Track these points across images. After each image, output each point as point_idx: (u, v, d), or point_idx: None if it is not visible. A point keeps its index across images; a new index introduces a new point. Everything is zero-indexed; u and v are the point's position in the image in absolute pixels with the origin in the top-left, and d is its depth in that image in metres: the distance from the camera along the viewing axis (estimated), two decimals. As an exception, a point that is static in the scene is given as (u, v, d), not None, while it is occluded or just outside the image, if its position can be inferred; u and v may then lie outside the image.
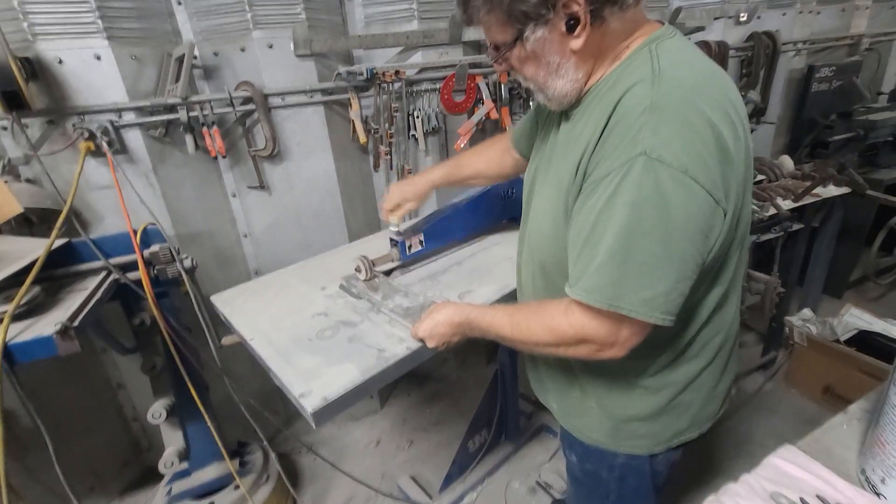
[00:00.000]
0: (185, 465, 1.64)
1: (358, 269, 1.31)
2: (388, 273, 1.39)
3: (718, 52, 2.36)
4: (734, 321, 0.91)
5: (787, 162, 2.31)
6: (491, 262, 1.42)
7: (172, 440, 1.61)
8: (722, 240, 0.72)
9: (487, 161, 1.27)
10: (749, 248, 2.11)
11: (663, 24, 0.78)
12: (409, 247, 1.39)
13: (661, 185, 0.64)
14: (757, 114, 2.60)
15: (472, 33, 1.96)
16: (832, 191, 2.15)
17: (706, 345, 0.87)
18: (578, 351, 0.79)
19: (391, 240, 1.39)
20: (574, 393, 0.99)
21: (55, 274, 1.30)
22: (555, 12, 0.68)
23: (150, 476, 2.04)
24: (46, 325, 1.05)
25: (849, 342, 2.13)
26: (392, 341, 1.07)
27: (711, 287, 0.81)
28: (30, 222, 1.58)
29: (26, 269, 1.15)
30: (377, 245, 1.60)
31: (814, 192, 2.09)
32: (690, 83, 0.68)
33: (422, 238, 1.40)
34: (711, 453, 2.00)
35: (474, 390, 2.49)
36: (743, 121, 0.73)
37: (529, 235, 0.97)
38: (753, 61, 2.53)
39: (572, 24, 0.69)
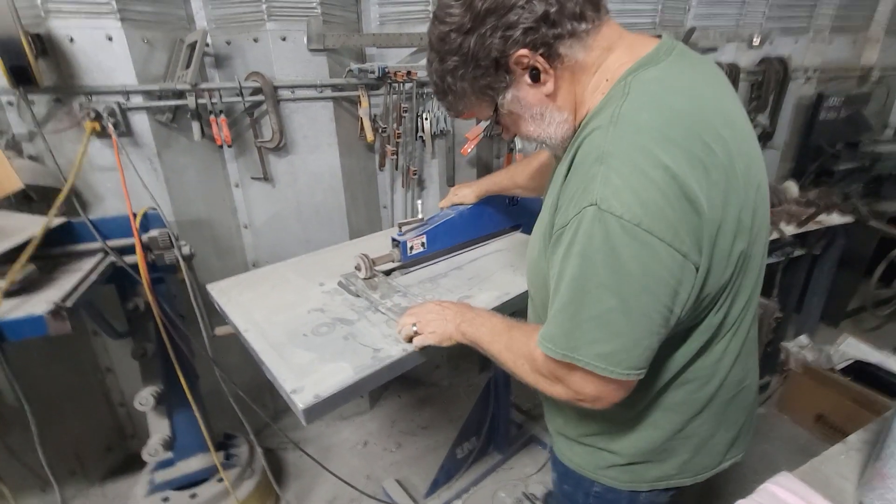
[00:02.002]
0: (169, 454, 1.62)
1: (358, 267, 1.30)
2: (387, 273, 1.38)
3: (729, 75, 2.37)
4: (735, 372, 0.82)
5: (793, 187, 2.31)
6: (492, 268, 1.41)
7: (158, 428, 1.59)
8: (696, 295, 0.66)
9: (531, 174, 1.33)
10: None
11: (660, 37, 0.73)
12: (411, 248, 1.37)
13: (611, 237, 0.61)
14: (764, 138, 2.61)
15: (486, 39, 1.96)
16: (835, 219, 2.15)
17: (696, 392, 0.81)
18: (557, 391, 0.75)
19: (393, 240, 1.38)
20: (557, 418, 0.97)
21: (51, 253, 1.28)
22: (512, 74, 0.70)
23: (134, 463, 2.01)
24: (39, 303, 1.04)
25: (844, 371, 2.12)
26: (388, 341, 1.05)
27: (682, 342, 0.76)
28: (29, 199, 1.56)
29: (22, 246, 1.14)
30: (378, 244, 1.59)
31: (817, 219, 2.10)
32: (649, 127, 0.62)
33: (424, 240, 1.39)
34: (700, 475, 1.98)
35: (465, 397, 2.48)
36: (725, 163, 0.64)
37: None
38: (764, 85, 2.53)
39: (535, 74, 0.70)
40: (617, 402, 0.72)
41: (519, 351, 0.81)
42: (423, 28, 1.90)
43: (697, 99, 0.67)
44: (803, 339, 2.30)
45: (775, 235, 1.99)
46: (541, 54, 0.68)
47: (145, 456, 1.51)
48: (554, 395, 0.77)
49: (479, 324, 0.93)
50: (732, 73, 2.38)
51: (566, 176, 0.70)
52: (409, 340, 1.03)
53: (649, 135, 0.62)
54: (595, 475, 0.91)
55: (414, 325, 1.00)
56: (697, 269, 0.64)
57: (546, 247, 0.76)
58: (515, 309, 1.16)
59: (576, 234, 0.64)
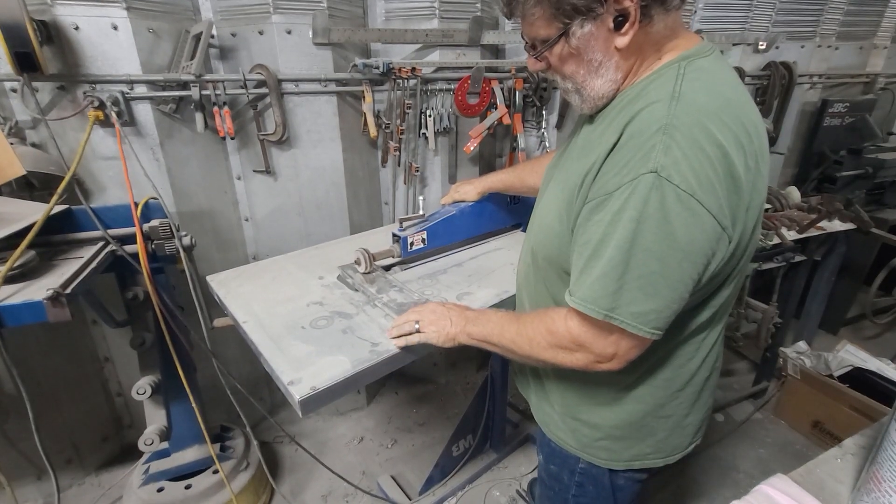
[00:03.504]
0: (165, 444, 1.62)
1: (357, 262, 1.30)
2: (387, 268, 1.38)
3: (734, 78, 2.36)
4: (713, 352, 0.89)
5: (795, 193, 2.31)
6: (492, 265, 1.41)
7: (155, 418, 1.58)
8: (722, 267, 0.72)
9: (539, 174, 1.31)
10: (750, 277, 2.10)
11: (703, 38, 0.77)
12: (411, 243, 1.37)
13: (666, 204, 0.64)
14: (768, 142, 2.60)
15: (491, 36, 1.96)
16: (837, 225, 2.14)
17: (680, 367, 0.86)
18: (576, 359, 0.79)
19: (393, 235, 1.38)
20: (542, 388, 1.01)
21: (52, 240, 1.28)
22: (605, 7, 0.67)
23: (130, 453, 2.02)
24: (38, 290, 1.04)
25: (842, 378, 2.12)
26: (386, 336, 1.05)
27: (700, 310, 0.81)
28: (31, 186, 1.56)
29: (23, 232, 1.13)
30: (378, 239, 1.59)
31: (818, 225, 2.09)
32: (707, 108, 0.67)
33: (424, 236, 1.39)
34: (695, 478, 1.99)
35: (462, 395, 2.48)
36: (758, 151, 0.71)
37: (532, 223, 0.97)
38: (769, 90, 2.53)
39: (620, 21, 0.68)
40: (631, 361, 0.76)
41: (535, 331, 0.83)
42: (429, 25, 1.90)
43: (739, 93, 0.73)
44: (802, 345, 2.30)
45: (776, 240, 1.98)
46: (641, 5, 0.67)
47: (141, 446, 1.50)
48: (571, 365, 0.80)
49: (485, 321, 0.94)
50: (738, 76, 2.38)
51: (615, 144, 0.70)
52: (402, 337, 1.02)
53: (708, 114, 0.66)
54: (579, 452, 0.95)
55: (417, 322, 1.00)
56: (730, 243, 0.70)
57: (568, 211, 0.78)
58: (512, 308, 1.16)
59: (629, 199, 0.66)
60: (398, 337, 1.01)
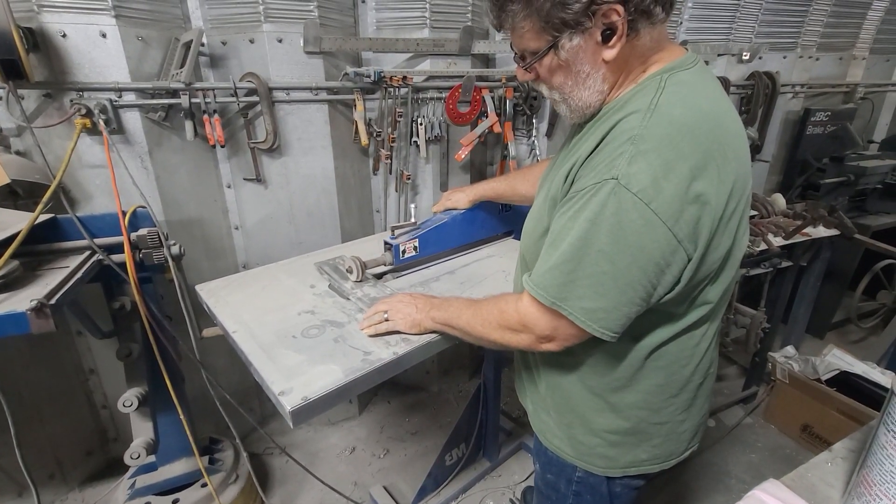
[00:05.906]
0: (152, 458, 1.58)
1: (349, 270, 1.30)
2: (379, 276, 1.37)
3: (720, 88, 2.41)
4: (707, 358, 0.90)
5: (780, 200, 2.35)
6: (484, 272, 1.42)
7: (141, 431, 1.55)
8: (688, 279, 0.73)
9: (533, 183, 1.32)
10: (738, 282, 2.12)
11: (687, 49, 0.79)
12: (403, 251, 1.37)
13: (621, 210, 0.66)
14: (753, 151, 2.66)
15: (481, 46, 1.98)
16: (822, 232, 2.18)
17: (674, 374, 0.87)
18: (520, 339, 0.84)
19: (385, 243, 1.38)
20: (539, 397, 1.02)
21: (36, 249, 1.26)
22: (593, 21, 0.68)
23: (115, 467, 1.98)
24: (21, 300, 1.02)
25: (829, 382, 2.14)
26: (378, 344, 1.05)
27: (689, 310, 0.82)
28: (15, 195, 1.53)
29: (6, 242, 1.11)
30: (370, 247, 1.59)
31: (804, 231, 2.13)
32: (681, 121, 0.68)
33: (416, 244, 1.39)
34: (687, 483, 1.99)
35: (455, 403, 2.46)
36: (734, 165, 0.71)
37: (524, 228, 1.00)
38: (753, 100, 2.58)
39: (608, 34, 0.70)
40: (568, 346, 0.81)
41: (488, 312, 0.90)
42: (420, 34, 1.92)
43: (719, 106, 0.74)
44: (790, 349, 2.33)
45: (763, 247, 2.01)
46: (628, 19, 0.68)
47: (127, 460, 1.47)
48: (516, 345, 0.86)
49: (447, 305, 1.01)
50: (723, 86, 2.42)
51: (594, 150, 0.73)
52: (372, 327, 1.07)
53: (679, 129, 0.67)
54: (576, 461, 0.96)
55: (385, 312, 1.06)
56: (690, 258, 0.71)
57: (550, 214, 0.81)
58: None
59: (589, 200, 0.69)
60: (369, 327, 1.07)
